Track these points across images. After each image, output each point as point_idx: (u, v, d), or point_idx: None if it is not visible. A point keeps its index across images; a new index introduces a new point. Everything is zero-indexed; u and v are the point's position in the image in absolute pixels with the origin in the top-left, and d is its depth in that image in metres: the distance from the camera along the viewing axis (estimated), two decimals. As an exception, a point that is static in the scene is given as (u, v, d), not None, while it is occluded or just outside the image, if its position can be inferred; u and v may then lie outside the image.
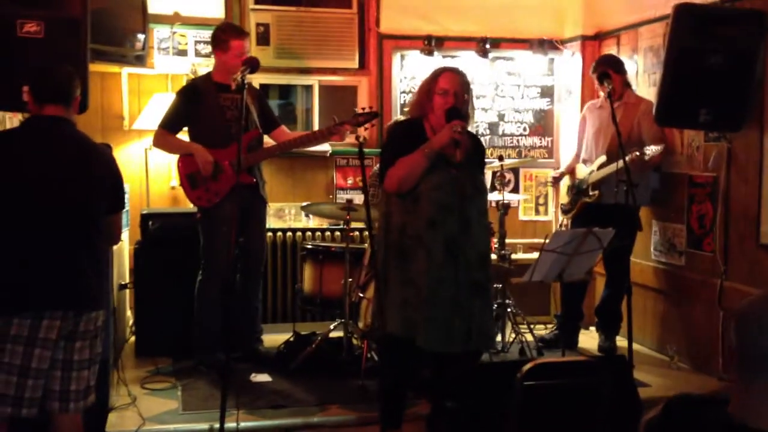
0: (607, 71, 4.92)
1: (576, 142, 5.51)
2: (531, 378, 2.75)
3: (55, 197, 2.96)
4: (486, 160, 4.23)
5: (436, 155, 3.37)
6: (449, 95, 3.44)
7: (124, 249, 4.83)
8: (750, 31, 4.36)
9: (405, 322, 3.42)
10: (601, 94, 5.11)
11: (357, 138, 3.17)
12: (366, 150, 5.33)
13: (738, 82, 4.37)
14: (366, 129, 4.97)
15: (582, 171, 5.27)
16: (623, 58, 5.50)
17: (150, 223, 4.96)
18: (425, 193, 3.40)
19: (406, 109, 3.79)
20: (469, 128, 3.54)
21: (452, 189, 3.41)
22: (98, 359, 3.15)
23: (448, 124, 3.37)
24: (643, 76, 5.44)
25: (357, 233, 5.60)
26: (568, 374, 2.87)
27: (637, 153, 4.68)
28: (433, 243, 3.39)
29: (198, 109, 4.70)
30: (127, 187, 4.97)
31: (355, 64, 6.13)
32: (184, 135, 4.93)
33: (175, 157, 5.47)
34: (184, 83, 5.62)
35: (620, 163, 4.32)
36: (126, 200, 4.76)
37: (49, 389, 2.97)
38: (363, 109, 4.61)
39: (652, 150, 4.69)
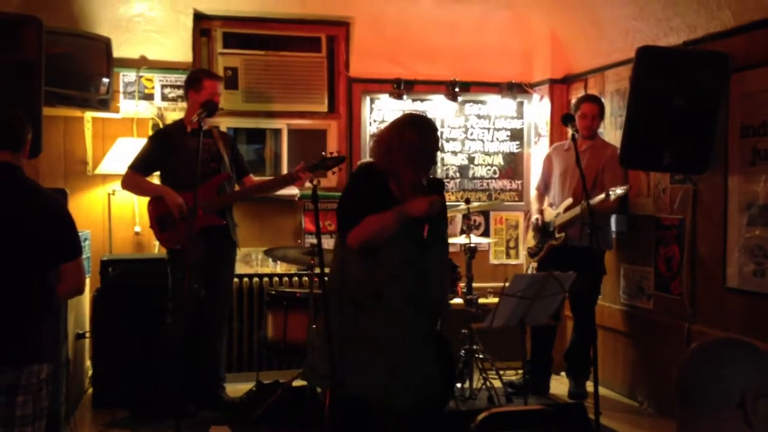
0: (570, 114, 4.90)
1: (540, 179, 5.47)
2: (485, 428, 2.66)
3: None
4: (452, 203, 4.10)
5: (408, 219, 3.17)
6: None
7: (83, 297, 4.70)
8: (714, 74, 4.34)
9: (360, 381, 3.26)
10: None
11: (311, 181, 3.10)
12: (326, 194, 5.35)
13: (702, 125, 4.35)
14: (334, 173, 4.96)
15: (549, 213, 5.23)
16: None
17: (110, 269, 4.85)
18: (385, 248, 3.22)
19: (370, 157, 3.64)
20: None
21: (413, 241, 3.25)
22: (44, 414, 3.01)
23: (428, 197, 3.16)
24: (610, 119, 5.43)
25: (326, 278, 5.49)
26: (524, 424, 2.78)
27: (603, 196, 4.66)
28: (394, 299, 3.23)
29: (169, 154, 4.71)
30: (88, 233, 4.89)
31: (325, 108, 6.11)
32: (154, 178, 4.93)
33: (139, 202, 5.43)
34: (150, 127, 5.59)
35: (585, 205, 4.28)
36: (87, 246, 4.68)
37: (-11, 446, 2.85)
38: (331, 153, 4.66)
39: (618, 191, 4.67)
